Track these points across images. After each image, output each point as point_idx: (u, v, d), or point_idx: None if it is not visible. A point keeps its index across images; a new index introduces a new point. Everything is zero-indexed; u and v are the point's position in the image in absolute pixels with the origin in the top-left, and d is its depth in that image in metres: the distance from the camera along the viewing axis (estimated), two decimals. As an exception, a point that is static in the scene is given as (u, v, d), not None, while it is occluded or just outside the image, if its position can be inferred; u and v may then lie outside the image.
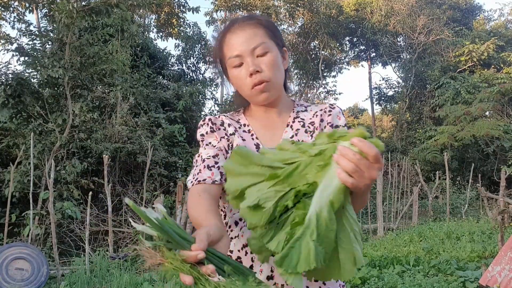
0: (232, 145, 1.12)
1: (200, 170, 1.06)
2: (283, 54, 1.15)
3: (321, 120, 1.12)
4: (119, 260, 5.61)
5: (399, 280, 4.06)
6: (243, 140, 1.12)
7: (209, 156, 1.08)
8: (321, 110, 1.15)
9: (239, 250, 1.07)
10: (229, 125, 1.16)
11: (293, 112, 1.17)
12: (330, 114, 1.13)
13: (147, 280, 4.70)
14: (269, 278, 1.03)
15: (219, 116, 1.20)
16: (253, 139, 1.13)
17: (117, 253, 6.33)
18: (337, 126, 1.11)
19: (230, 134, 1.13)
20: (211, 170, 1.05)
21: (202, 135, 1.15)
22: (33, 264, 4.89)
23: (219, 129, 1.15)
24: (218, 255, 0.75)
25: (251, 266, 1.05)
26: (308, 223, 0.72)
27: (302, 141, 1.08)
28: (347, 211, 0.77)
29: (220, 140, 1.12)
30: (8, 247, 4.98)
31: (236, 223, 1.10)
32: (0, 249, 4.93)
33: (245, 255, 1.06)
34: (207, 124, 1.16)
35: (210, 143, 1.12)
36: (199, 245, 0.71)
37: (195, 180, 1.04)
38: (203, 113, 14.04)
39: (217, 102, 15.88)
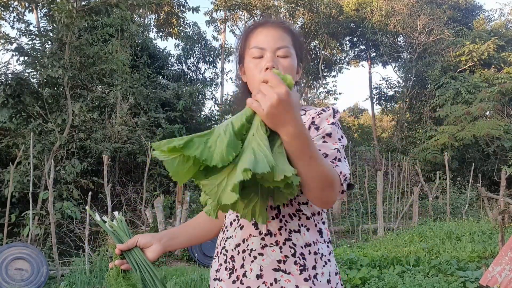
0: None
1: None
2: (299, 69, 1.20)
3: (312, 123, 1.12)
4: (118, 260, 5.59)
5: (400, 281, 4.05)
6: None
7: None
8: (315, 112, 1.14)
9: (232, 250, 1.10)
10: None
11: None
12: (319, 116, 1.12)
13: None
14: (258, 276, 1.04)
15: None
16: None
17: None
18: (318, 128, 1.10)
19: None
20: None
21: None
22: (32, 264, 4.88)
23: None
24: (138, 259, 1.17)
25: (242, 265, 1.07)
26: (215, 131, 0.86)
27: None
28: (257, 139, 0.84)
29: None
30: (7, 247, 4.97)
31: (231, 224, 1.14)
32: (0, 249, 4.92)
33: (237, 254, 1.08)
34: None
35: None
36: (120, 245, 1.18)
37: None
38: (203, 113, 14.04)
39: (217, 102, 15.88)
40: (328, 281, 1.08)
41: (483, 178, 11.78)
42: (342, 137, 1.10)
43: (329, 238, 1.16)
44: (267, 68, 1.07)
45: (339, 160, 1.03)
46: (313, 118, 1.13)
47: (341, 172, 1.00)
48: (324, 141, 1.06)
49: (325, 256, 1.10)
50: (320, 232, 1.11)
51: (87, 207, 1.45)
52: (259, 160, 0.79)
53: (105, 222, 1.26)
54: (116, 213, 1.30)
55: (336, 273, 1.13)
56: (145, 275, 1.14)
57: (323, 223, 1.13)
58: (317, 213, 1.11)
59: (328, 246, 1.13)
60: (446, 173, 9.69)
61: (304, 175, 0.89)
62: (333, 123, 1.10)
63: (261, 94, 0.84)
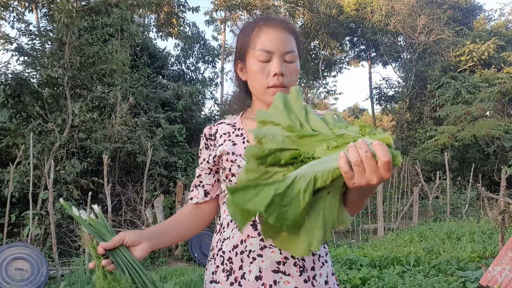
0: (216, 156, 1.17)
1: (191, 188, 1.28)
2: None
3: None
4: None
5: (400, 281, 4.05)
6: (234, 144, 1.14)
7: (196, 176, 1.26)
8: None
9: (230, 251, 1.09)
10: (223, 134, 1.19)
11: None
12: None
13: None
14: (258, 278, 1.03)
15: (217, 124, 1.24)
16: (243, 142, 1.15)
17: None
18: None
19: (219, 145, 1.17)
20: (197, 189, 1.24)
21: (200, 149, 1.26)
22: (32, 264, 4.88)
23: (214, 139, 1.21)
24: (125, 259, 1.03)
25: (241, 267, 1.06)
26: (282, 179, 0.72)
27: None
28: (330, 199, 0.76)
29: (208, 156, 1.22)
30: (7, 247, 4.97)
31: (228, 224, 1.13)
32: (0, 249, 4.92)
33: (235, 255, 1.07)
34: (203, 138, 1.24)
35: (201, 162, 1.25)
36: (104, 244, 1.02)
37: (188, 198, 1.28)
38: (203, 113, 14.03)
39: (217, 102, 15.88)
40: (326, 282, 1.08)
41: (483, 178, 11.77)
42: None
43: None
44: (275, 74, 1.07)
45: None
46: None
47: None
48: None
49: (322, 257, 1.10)
50: None
51: (60, 199, 1.21)
52: (326, 234, 0.75)
53: (84, 218, 1.10)
54: (95, 206, 1.14)
55: (333, 274, 1.13)
56: (135, 276, 1.02)
57: None
58: None
59: (324, 247, 1.14)
60: (446, 173, 9.69)
61: (353, 210, 0.89)
62: None
63: (360, 167, 0.70)
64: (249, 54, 1.12)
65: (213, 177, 1.22)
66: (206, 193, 1.23)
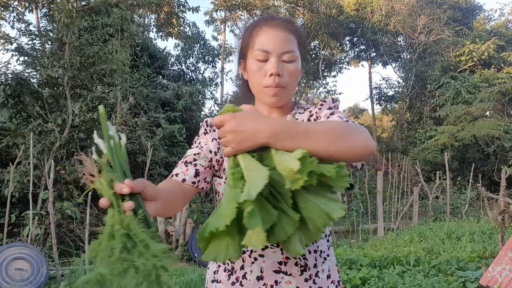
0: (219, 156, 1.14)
1: (177, 164, 1.13)
2: (302, 66, 1.17)
3: (311, 115, 1.13)
4: (118, 260, 5.59)
5: (400, 281, 4.05)
6: None
7: (191, 153, 1.13)
8: (315, 107, 1.15)
9: None
10: None
11: (290, 114, 1.17)
12: (320, 108, 1.13)
13: (146, 281, 4.68)
14: (259, 278, 1.04)
15: None
16: None
17: (117, 253, 6.31)
18: (318, 118, 1.10)
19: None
20: (186, 166, 1.10)
21: (197, 136, 1.21)
22: (32, 264, 4.88)
23: (215, 130, 1.16)
24: (141, 209, 0.80)
25: (242, 267, 1.06)
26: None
27: None
28: (309, 195, 0.80)
29: (212, 141, 1.15)
30: (7, 247, 4.97)
31: None
32: (0, 249, 4.92)
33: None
34: (203, 126, 1.20)
35: (199, 143, 1.16)
36: (131, 182, 0.78)
37: (170, 175, 1.11)
38: (203, 113, 14.03)
39: (217, 102, 15.89)
40: (328, 276, 1.09)
41: (483, 178, 11.77)
42: (347, 117, 1.05)
43: (329, 231, 1.15)
44: (271, 74, 1.06)
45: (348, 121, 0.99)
46: (310, 111, 1.14)
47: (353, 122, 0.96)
48: (328, 119, 1.05)
49: (324, 252, 1.10)
50: None
51: (100, 106, 0.84)
52: (252, 185, 0.75)
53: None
54: (123, 136, 0.86)
55: (336, 265, 1.14)
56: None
57: None
58: None
59: (328, 240, 1.13)
60: (446, 173, 9.69)
61: (318, 150, 0.81)
62: (330, 108, 1.10)
63: (224, 140, 0.82)
64: (249, 54, 1.11)
65: (209, 161, 1.12)
66: (196, 174, 1.08)
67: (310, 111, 1.14)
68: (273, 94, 1.08)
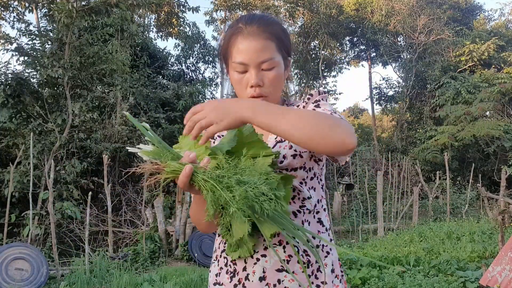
0: None
1: None
2: (287, 64, 1.15)
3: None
4: (118, 260, 5.60)
5: (400, 281, 4.05)
6: None
7: None
8: (303, 101, 1.16)
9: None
10: (218, 136, 1.20)
11: None
12: (306, 102, 1.14)
13: (146, 280, 4.69)
14: (262, 279, 1.03)
15: None
16: None
17: (117, 253, 6.32)
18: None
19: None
20: None
21: None
22: (32, 264, 4.88)
23: (215, 138, 1.20)
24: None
25: (245, 268, 1.05)
26: None
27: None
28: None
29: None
30: (7, 247, 4.97)
31: None
32: (0, 249, 4.92)
33: (239, 257, 1.07)
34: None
35: None
36: (189, 153, 0.89)
37: None
38: (203, 113, 14.01)
39: (217, 102, 15.86)
40: (332, 271, 1.09)
41: (483, 178, 11.77)
42: (333, 109, 1.07)
43: (329, 224, 1.15)
44: (252, 86, 1.06)
45: (333, 113, 1.03)
46: (298, 106, 1.15)
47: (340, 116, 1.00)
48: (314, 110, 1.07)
49: (326, 246, 1.10)
50: (320, 221, 1.10)
51: (126, 113, 1.09)
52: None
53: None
54: (146, 124, 0.99)
55: (338, 259, 1.14)
56: None
57: (324, 209, 1.13)
58: (317, 202, 1.11)
59: (329, 234, 1.13)
60: (446, 173, 9.69)
61: (293, 133, 0.88)
62: (316, 101, 1.11)
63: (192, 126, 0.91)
64: (229, 62, 1.11)
65: None
66: None
67: (298, 106, 1.15)
68: None
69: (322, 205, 1.12)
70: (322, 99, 1.12)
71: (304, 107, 1.13)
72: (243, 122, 0.89)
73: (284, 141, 1.07)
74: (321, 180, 1.14)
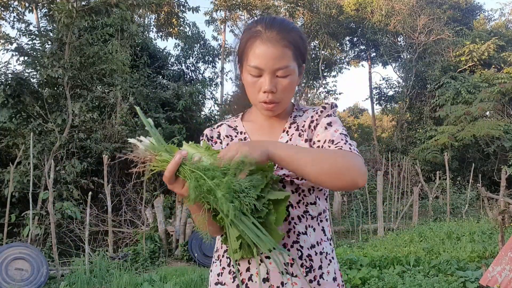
0: None
1: None
2: (301, 71, 1.16)
3: (311, 121, 1.15)
4: (118, 260, 5.60)
5: (400, 281, 4.05)
6: None
7: None
8: (313, 111, 1.17)
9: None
10: (226, 136, 1.20)
11: (291, 117, 1.19)
12: (319, 114, 1.15)
13: (146, 280, 4.69)
14: (265, 280, 1.03)
15: (218, 127, 1.24)
16: None
17: (117, 253, 6.32)
18: (317, 125, 1.14)
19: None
20: None
21: None
22: (32, 264, 4.88)
23: (216, 142, 1.20)
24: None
25: (248, 269, 1.06)
26: None
27: (296, 145, 1.11)
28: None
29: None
30: (7, 247, 4.97)
31: None
32: (0, 249, 4.92)
33: (243, 257, 1.06)
34: (204, 140, 1.22)
35: None
36: (182, 150, 0.94)
37: None
38: (203, 113, 14.03)
39: (217, 102, 15.87)
40: (334, 279, 1.09)
41: (483, 178, 11.77)
42: (343, 127, 1.12)
43: (331, 235, 1.16)
44: (265, 92, 1.08)
45: (346, 141, 1.06)
46: (312, 117, 1.15)
47: (350, 146, 1.05)
48: (326, 129, 1.10)
49: (329, 254, 1.11)
50: (323, 230, 1.11)
51: (137, 108, 1.18)
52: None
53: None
54: (150, 120, 1.07)
55: (339, 269, 1.15)
56: None
57: (326, 220, 1.14)
58: (322, 211, 1.12)
59: (330, 244, 1.14)
60: (446, 173, 9.69)
61: (313, 167, 0.95)
62: (328, 115, 1.13)
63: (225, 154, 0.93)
64: (244, 63, 1.11)
65: None
66: None
67: (312, 117, 1.15)
68: (267, 108, 1.11)
69: (326, 216, 1.14)
70: (333, 113, 1.15)
71: (316, 120, 1.14)
72: (268, 155, 0.95)
73: None
74: (326, 191, 1.16)
